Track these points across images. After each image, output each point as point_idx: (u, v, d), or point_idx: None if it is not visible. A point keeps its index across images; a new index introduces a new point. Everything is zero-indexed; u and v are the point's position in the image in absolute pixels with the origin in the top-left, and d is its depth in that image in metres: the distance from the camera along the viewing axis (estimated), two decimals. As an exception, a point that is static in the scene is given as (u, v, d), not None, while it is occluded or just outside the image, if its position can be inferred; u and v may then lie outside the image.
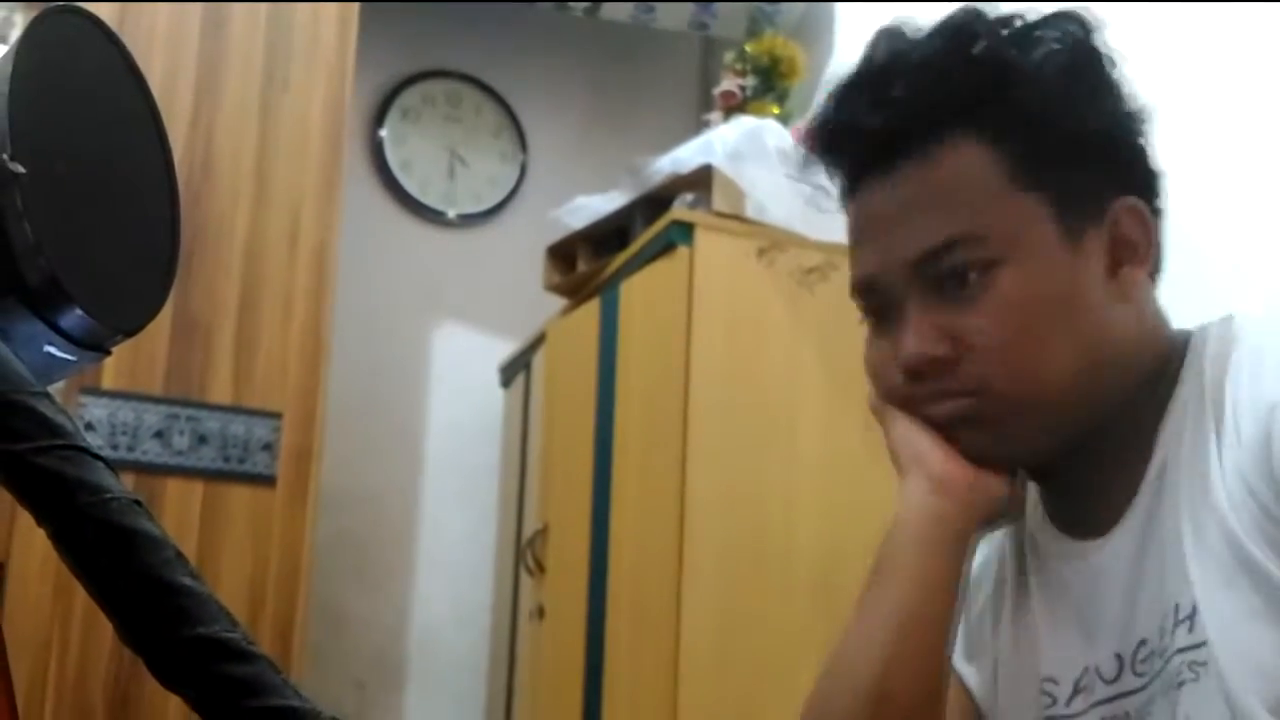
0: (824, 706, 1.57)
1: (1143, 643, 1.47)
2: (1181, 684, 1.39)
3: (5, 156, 0.53)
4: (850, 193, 1.58)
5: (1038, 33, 1.51)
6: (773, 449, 3.62)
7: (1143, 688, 1.46)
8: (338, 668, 5.01)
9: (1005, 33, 1.51)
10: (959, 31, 1.50)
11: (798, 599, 3.47)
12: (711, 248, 3.72)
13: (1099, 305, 1.48)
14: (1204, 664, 1.37)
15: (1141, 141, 1.54)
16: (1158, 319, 1.56)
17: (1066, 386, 1.46)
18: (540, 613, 4.18)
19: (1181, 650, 1.40)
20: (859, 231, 1.56)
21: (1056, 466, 1.56)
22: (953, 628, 1.58)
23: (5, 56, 0.56)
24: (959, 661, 1.71)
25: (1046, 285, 1.45)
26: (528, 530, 4.51)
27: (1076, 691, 1.54)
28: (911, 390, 1.50)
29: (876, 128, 1.50)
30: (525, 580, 4.49)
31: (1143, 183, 1.54)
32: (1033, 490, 1.66)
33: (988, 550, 1.72)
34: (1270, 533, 1.34)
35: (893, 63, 1.51)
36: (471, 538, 5.27)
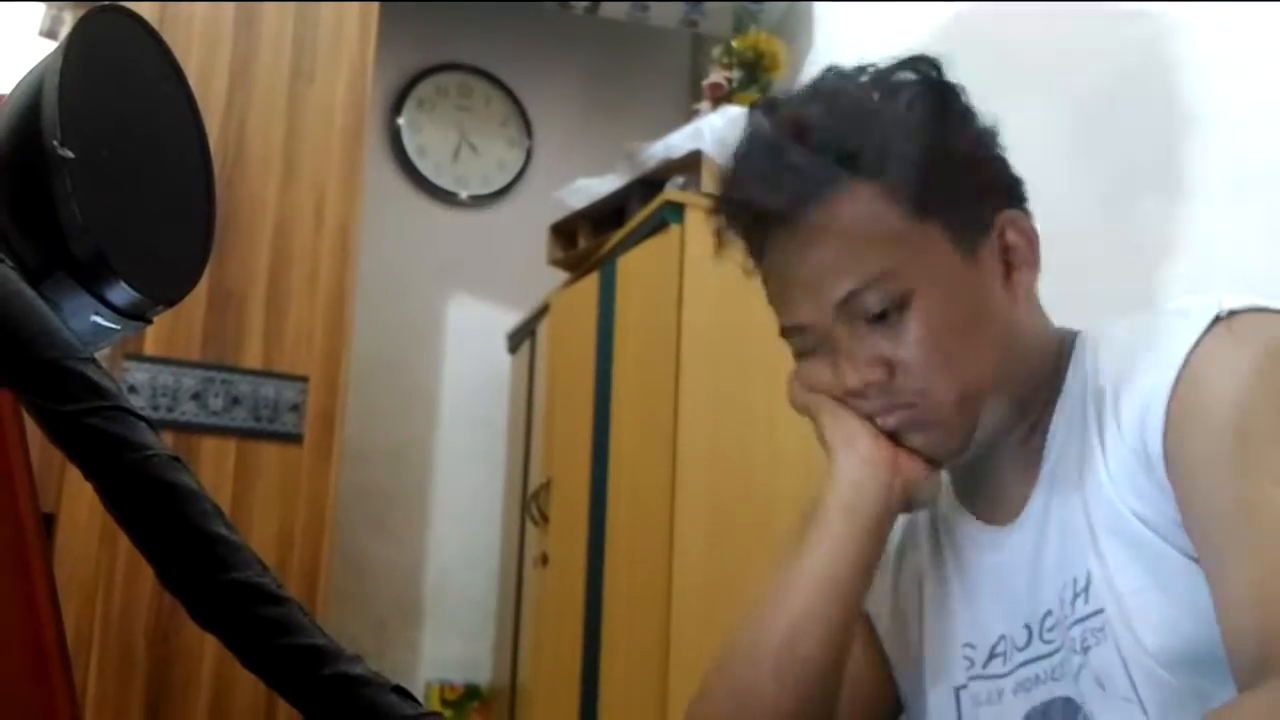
0: (731, 656, 1.63)
1: (1048, 613, 1.52)
2: (1087, 648, 1.45)
3: (56, 142, 0.53)
4: (760, 254, 1.60)
5: (896, 77, 1.54)
6: (756, 408, 3.61)
7: (1053, 653, 1.51)
8: (359, 609, 5.02)
9: (867, 81, 1.55)
10: (831, 94, 1.54)
11: (780, 544, 3.47)
12: (701, 226, 3.69)
13: (1002, 309, 1.53)
14: (1101, 629, 1.42)
15: (1001, 154, 1.58)
16: (1043, 314, 1.62)
17: (988, 384, 1.50)
18: (544, 559, 4.18)
19: (1081, 620, 1.46)
20: (780, 286, 1.58)
21: (973, 460, 1.60)
22: (866, 595, 1.61)
23: (55, 52, 0.56)
24: (872, 605, 1.74)
25: (956, 302, 1.49)
26: (533, 484, 4.51)
27: (993, 656, 1.59)
28: (862, 407, 1.55)
29: (777, 202, 1.51)
30: (531, 529, 4.49)
31: (1011, 191, 1.58)
32: (945, 477, 1.70)
33: (905, 529, 1.77)
34: (1150, 507, 1.40)
35: (777, 136, 1.53)
36: (481, 490, 5.28)
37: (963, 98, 1.55)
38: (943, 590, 1.68)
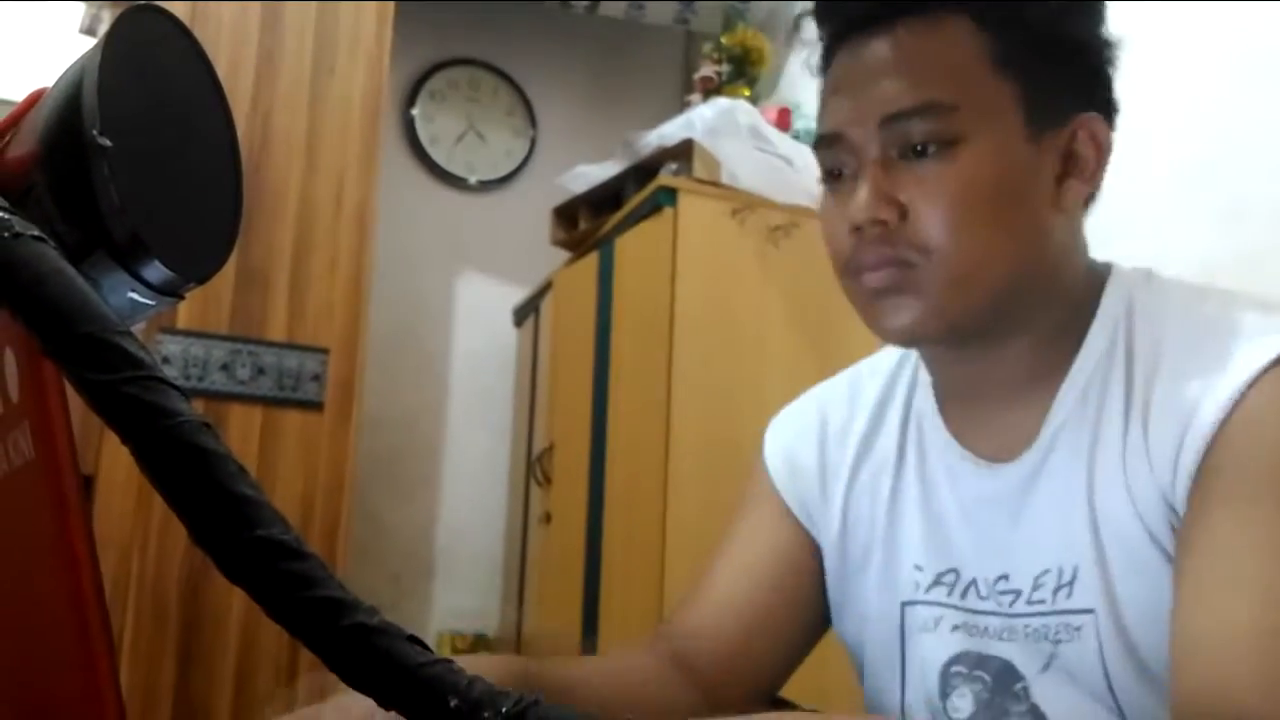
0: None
1: (1004, 577, 1.38)
2: (1059, 642, 1.31)
3: (95, 132, 0.53)
4: (834, 50, 1.42)
5: None
6: (744, 378, 3.62)
7: (998, 614, 1.38)
8: (376, 564, 5.02)
9: None
10: None
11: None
12: (692, 209, 3.72)
13: (1042, 207, 1.34)
14: (1079, 628, 1.29)
15: (1111, 70, 1.40)
16: (1083, 242, 1.43)
17: (999, 271, 1.32)
18: (548, 518, 4.19)
19: (1059, 612, 1.32)
20: (836, 85, 1.40)
21: (969, 375, 1.44)
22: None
23: (95, 48, 0.56)
24: (800, 507, 1.62)
25: (1000, 171, 1.31)
26: (537, 447, 4.51)
27: (938, 583, 1.45)
28: (855, 254, 1.35)
29: (871, 5, 1.36)
30: (535, 490, 4.49)
31: (1108, 106, 1.41)
32: (924, 377, 1.54)
33: (874, 410, 1.60)
34: (1162, 527, 1.24)
35: None
36: (489, 454, 5.28)
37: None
38: (899, 505, 1.52)
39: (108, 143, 0.53)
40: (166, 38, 0.59)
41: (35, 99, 0.59)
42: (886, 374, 1.62)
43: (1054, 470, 1.36)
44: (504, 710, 0.41)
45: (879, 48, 1.35)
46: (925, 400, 1.54)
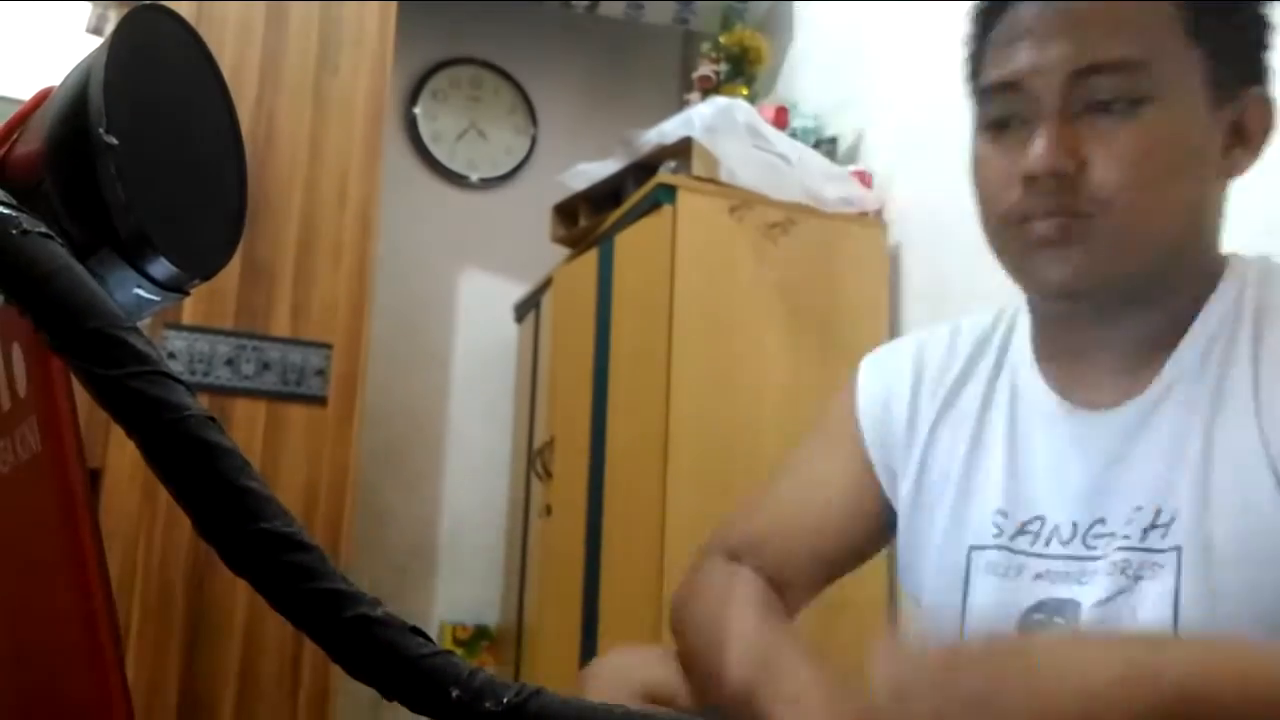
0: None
1: (1100, 521, 1.36)
2: (1140, 578, 1.30)
3: (101, 130, 0.53)
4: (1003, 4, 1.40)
5: None
6: (742, 373, 3.62)
7: (1089, 559, 1.36)
8: (379, 556, 5.02)
9: None
10: None
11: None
12: (691, 206, 3.72)
13: (1211, 175, 1.35)
14: (1163, 566, 1.28)
15: (1273, 46, 1.40)
16: (1224, 219, 1.42)
17: (1169, 233, 1.32)
18: (548, 510, 4.19)
19: (1146, 549, 1.30)
20: (1016, 29, 1.37)
21: (1088, 331, 1.42)
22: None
23: (101, 47, 0.56)
24: (876, 450, 1.61)
25: (1184, 134, 1.31)
26: (538, 441, 4.51)
27: (1023, 532, 1.43)
28: (1024, 205, 1.33)
29: None
30: (535, 483, 4.49)
31: (1268, 81, 1.40)
32: (1022, 330, 1.54)
33: (970, 355, 1.59)
34: None
35: None
36: (490, 447, 5.28)
37: None
38: (980, 451, 1.51)
39: (114, 141, 0.53)
40: (172, 37, 0.59)
41: (42, 98, 0.59)
42: (984, 326, 1.61)
43: (1164, 419, 1.35)
44: (505, 700, 0.41)
45: None
46: (1021, 353, 1.53)
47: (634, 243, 3.89)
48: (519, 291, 5.20)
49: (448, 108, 5.59)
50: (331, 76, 4.13)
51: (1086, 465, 1.40)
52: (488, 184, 5.58)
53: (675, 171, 3.86)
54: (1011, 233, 1.37)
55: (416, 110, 5.51)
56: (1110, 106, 1.30)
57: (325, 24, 4.17)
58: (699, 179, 3.75)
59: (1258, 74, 1.38)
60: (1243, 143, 1.37)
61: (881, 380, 1.66)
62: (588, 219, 4.48)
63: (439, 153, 5.52)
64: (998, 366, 1.55)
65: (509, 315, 5.26)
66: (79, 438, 0.53)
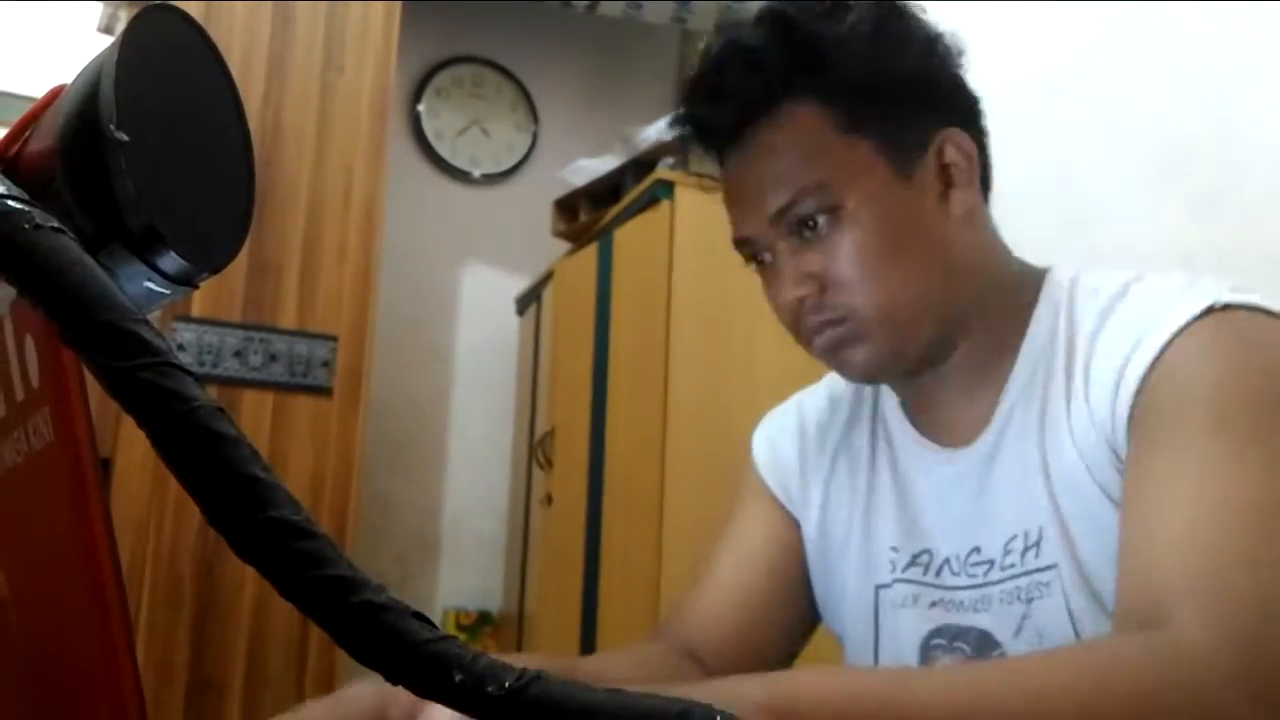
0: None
1: (976, 549, 1.43)
2: (1031, 600, 1.35)
3: (112, 126, 0.53)
4: (720, 165, 1.52)
5: (846, 3, 1.42)
6: (737, 365, 3.62)
7: (973, 587, 1.42)
8: (384, 544, 5.03)
9: (816, 4, 1.43)
10: (777, 16, 1.43)
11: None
12: (689, 201, 3.72)
13: (938, 227, 1.41)
14: (1048, 584, 1.33)
15: (956, 74, 1.46)
16: (998, 239, 1.49)
17: (920, 301, 1.39)
18: (549, 499, 4.19)
19: (1029, 572, 1.36)
20: (728, 197, 1.50)
21: (923, 381, 1.49)
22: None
23: (112, 46, 0.56)
24: (786, 496, 1.67)
25: (885, 219, 1.38)
26: (539, 431, 4.52)
27: (914, 563, 1.50)
28: (800, 326, 1.43)
29: (722, 116, 1.45)
30: (536, 472, 4.50)
31: (964, 111, 1.47)
32: (888, 390, 1.60)
33: (848, 416, 1.66)
34: (1115, 464, 1.28)
35: (725, 56, 1.44)
36: (493, 438, 5.29)
37: (916, 21, 1.44)
38: (875, 495, 1.57)
39: (124, 137, 0.53)
40: (181, 36, 0.59)
41: (55, 95, 0.59)
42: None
43: (1009, 447, 1.41)
44: (507, 685, 0.41)
45: (747, 153, 1.44)
46: (890, 405, 1.60)
47: (633, 237, 3.90)
48: (520, 285, 5.20)
49: (450, 105, 5.60)
50: (337, 75, 4.13)
51: (960, 498, 1.46)
52: (490, 180, 5.58)
53: (673, 168, 3.87)
54: (807, 348, 1.46)
55: (420, 108, 5.52)
56: (817, 225, 1.39)
57: (331, 24, 4.17)
58: (697, 175, 3.75)
59: (942, 116, 1.44)
60: (956, 181, 1.43)
61: (770, 435, 1.76)
62: (588, 214, 4.49)
63: (442, 149, 5.53)
64: (874, 415, 1.63)
65: (510, 308, 5.27)
66: (90, 428, 0.53)
